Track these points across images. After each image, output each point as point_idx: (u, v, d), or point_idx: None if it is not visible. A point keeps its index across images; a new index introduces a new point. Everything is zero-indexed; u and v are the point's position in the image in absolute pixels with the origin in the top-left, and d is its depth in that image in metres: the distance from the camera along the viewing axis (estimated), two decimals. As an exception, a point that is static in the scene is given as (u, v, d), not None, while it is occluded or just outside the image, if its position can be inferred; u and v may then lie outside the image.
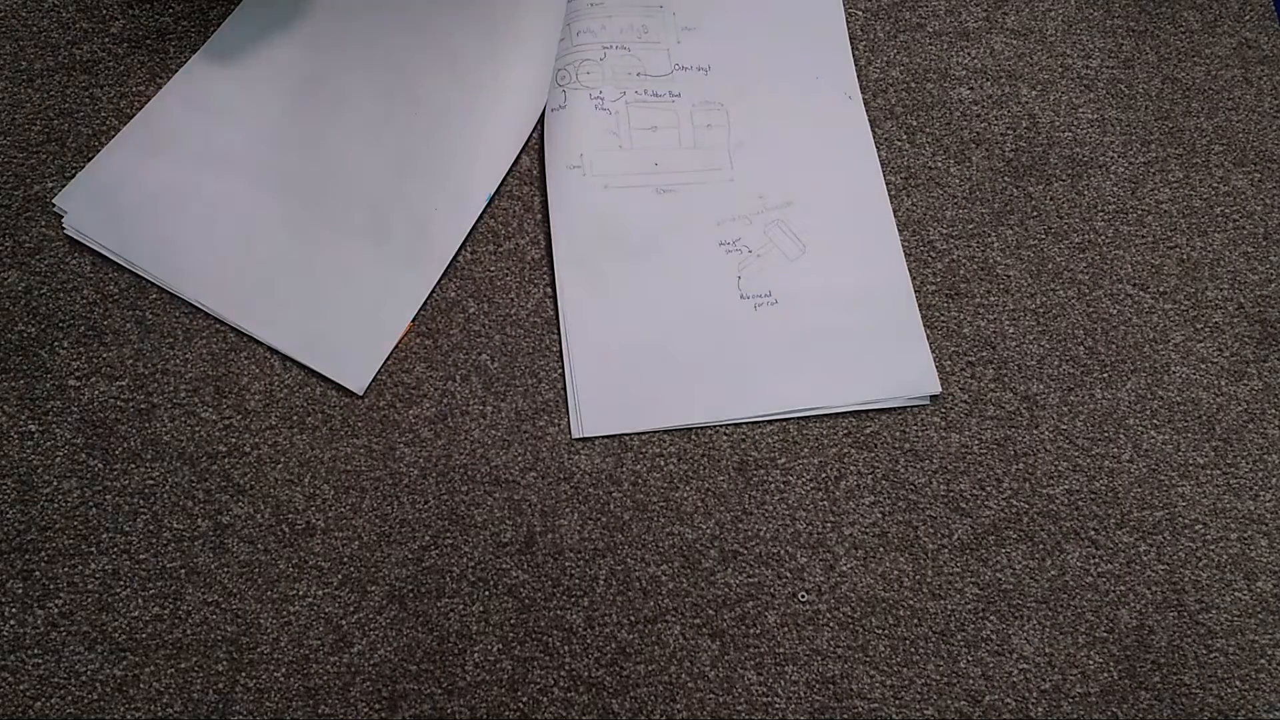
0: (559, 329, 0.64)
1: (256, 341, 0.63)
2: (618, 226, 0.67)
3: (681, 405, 0.62)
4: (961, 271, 0.68)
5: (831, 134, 0.72)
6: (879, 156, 0.72)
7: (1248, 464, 0.64)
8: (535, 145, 0.70)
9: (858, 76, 0.74)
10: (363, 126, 0.68)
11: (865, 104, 0.73)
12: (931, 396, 0.64)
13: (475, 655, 0.57)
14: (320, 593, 0.57)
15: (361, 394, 0.62)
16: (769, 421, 0.63)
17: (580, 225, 0.66)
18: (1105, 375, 0.66)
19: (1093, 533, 0.62)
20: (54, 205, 0.64)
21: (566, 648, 0.57)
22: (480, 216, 0.67)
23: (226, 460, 0.60)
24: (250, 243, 0.65)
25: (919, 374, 0.64)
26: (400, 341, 0.63)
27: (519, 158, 0.69)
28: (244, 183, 0.66)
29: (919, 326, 0.66)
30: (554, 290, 0.65)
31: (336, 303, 0.64)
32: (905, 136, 0.73)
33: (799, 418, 0.63)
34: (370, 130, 0.68)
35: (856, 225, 0.69)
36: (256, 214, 0.65)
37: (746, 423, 0.63)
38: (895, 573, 0.60)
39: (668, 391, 0.63)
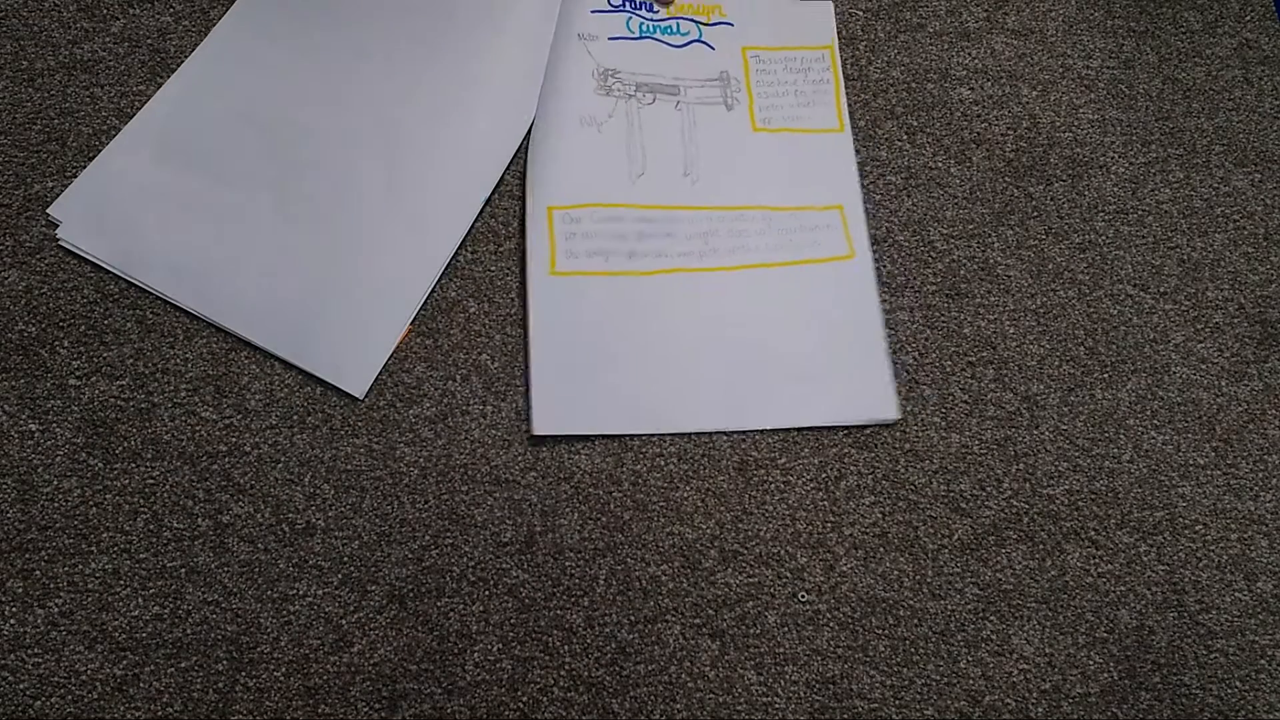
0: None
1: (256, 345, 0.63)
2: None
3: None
4: (961, 271, 0.68)
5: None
6: (880, 157, 0.72)
7: (1248, 464, 0.64)
8: (535, 145, 0.70)
9: (858, 77, 0.74)
10: (360, 128, 0.68)
11: (866, 104, 0.73)
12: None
13: (475, 655, 0.57)
14: (320, 593, 0.57)
15: (362, 398, 0.62)
16: (764, 432, 0.63)
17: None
18: (1105, 375, 0.66)
19: (1093, 533, 0.62)
20: (49, 215, 0.64)
21: (566, 648, 0.57)
22: (480, 216, 0.67)
23: (226, 460, 0.60)
24: (248, 248, 0.64)
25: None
26: (399, 343, 0.63)
27: (517, 156, 0.69)
28: (241, 187, 0.66)
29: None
30: None
31: (335, 308, 0.63)
32: (905, 136, 0.73)
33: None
34: (367, 132, 0.68)
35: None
36: (254, 218, 0.65)
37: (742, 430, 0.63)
38: (895, 573, 0.60)
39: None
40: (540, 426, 0.61)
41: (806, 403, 0.63)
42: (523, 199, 0.68)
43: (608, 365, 0.63)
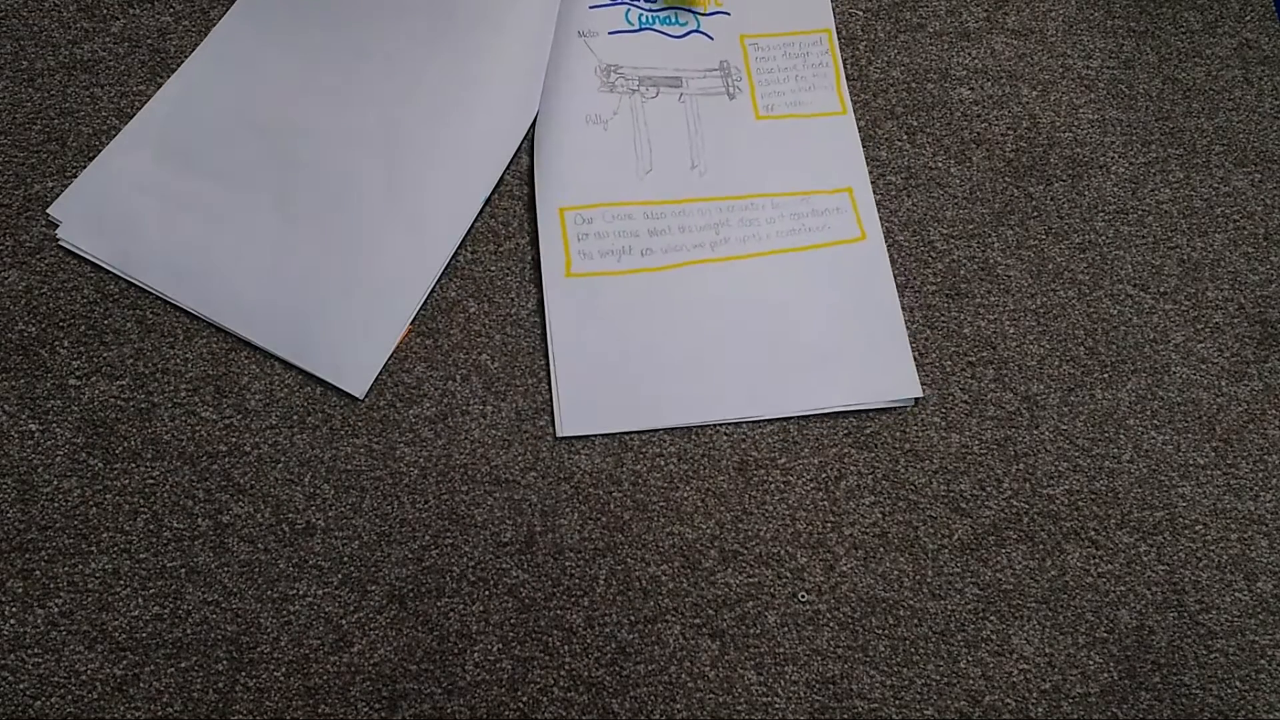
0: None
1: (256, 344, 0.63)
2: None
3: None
4: (961, 271, 0.68)
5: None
6: (880, 157, 0.72)
7: (1248, 464, 0.64)
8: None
9: (858, 77, 0.74)
10: (360, 128, 0.68)
11: (866, 104, 0.73)
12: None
13: (475, 655, 0.57)
14: (320, 593, 0.57)
15: (362, 398, 0.62)
16: (768, 421, 0.63)
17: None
18: (1105, 375, 0.66)
19: (1093, 533, 0.62)
20: (49, 215, 0.64)
21: (566, 648, 0.57)
22: (480, 216, 0.67)
23: (226, 460, 0.60)
24: (248, 248, 0.64)
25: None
26: (399, 343, 0.63)
27: (517, 156, 0.69)
28: (241, 187, 0.66)
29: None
30: None
31: (335, 308, 0.63)
32: (905, 136, 0.73)
33: (798, 417, 0.63)
34: (367, 132, 0.68)
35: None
36: (254, 218, 0.65)
37: (746, 423, 0.63)
38: (895, 573, 0.60)
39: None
40: (568, 428, 0.61)
41: (829, 386, 0.63)
42: (530, 200, 0.68)
43: (630, 363, 0.63)
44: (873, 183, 0.71)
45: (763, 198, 0.69)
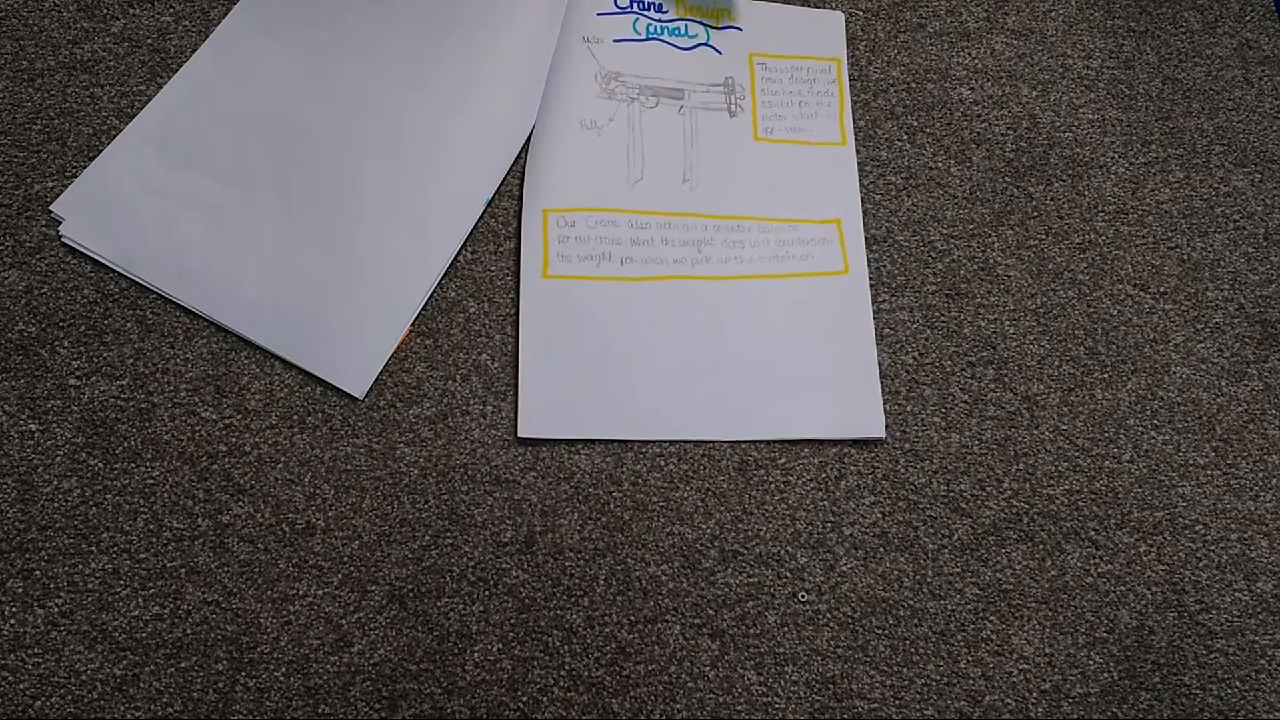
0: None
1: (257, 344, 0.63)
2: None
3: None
4: (961, 271, 0.68)
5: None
6: (880, 157, 0.72)
7: (1248, 464, 0.64)
8: (535, 145, 0.70)
9: (858, 77, 0.74)
10: (362, 129, 0.68)
11: (866, 104, 0.73)
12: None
13: (475, 655, 0.57)
14: (320, 593, 0.57)
15: (362, 398, 0.62)
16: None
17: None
18: (1105, 375, 0.66)
19: (1093, 533, 0.62)
20: (52, 212, 0.64)
21: (566, 648, 0.57)
22: (480, 216, 0.67)
23: (226, 460, 0.60)
24: (250, 248, 0.64)
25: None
26: (400, 344, 0.63)
27: (519, 157, 0.69)
28: (243, 186, 0.66)
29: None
30: None
31: (336, 308, 0.63)
32: (905, 136, 0.73)
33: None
34: (369, 132, 0.68)
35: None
36: (256, 218, 0.65)
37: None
38: (895, 573, 0.60)
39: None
40: (527, 429, 0.61)
41: (793, 416, 0.63)
42: (520, 200, 0.68)
43: (596, 370, 0.63)
44: (873, 184, 0.71)
45: (750, 220, 0.69)
